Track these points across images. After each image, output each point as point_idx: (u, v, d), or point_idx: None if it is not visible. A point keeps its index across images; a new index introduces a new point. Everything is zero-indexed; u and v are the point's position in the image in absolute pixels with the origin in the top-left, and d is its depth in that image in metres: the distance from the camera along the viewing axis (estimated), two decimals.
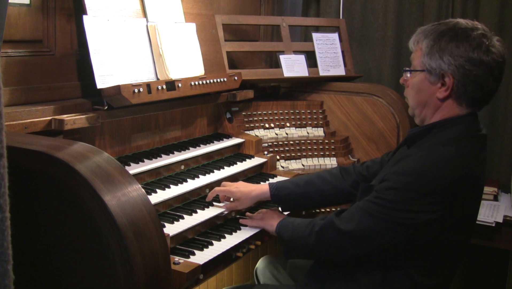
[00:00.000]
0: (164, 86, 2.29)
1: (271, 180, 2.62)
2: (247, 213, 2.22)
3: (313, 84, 3.34)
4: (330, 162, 3.06)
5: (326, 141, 3.11)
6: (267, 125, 3.08)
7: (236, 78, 2.76)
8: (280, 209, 2.26)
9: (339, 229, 1.77)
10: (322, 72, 3.36)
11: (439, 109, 1.82)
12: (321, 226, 1.83)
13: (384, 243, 1.73)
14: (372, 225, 1.72)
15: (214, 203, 2.23)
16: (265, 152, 2.88)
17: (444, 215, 1.69)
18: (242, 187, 2.24)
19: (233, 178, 2.48)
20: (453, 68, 1.75)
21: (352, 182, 2.19)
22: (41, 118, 1.96)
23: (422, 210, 1.67)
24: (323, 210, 2.71)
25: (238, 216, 2.24)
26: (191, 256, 1.84)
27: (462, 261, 1.91)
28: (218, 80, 2.64)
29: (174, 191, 2.16)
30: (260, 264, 2.49)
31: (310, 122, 3.19)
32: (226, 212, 2.20)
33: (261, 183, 2.54)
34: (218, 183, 2.38)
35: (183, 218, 2.03)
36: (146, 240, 1.45)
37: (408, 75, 1.90)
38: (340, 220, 1.79)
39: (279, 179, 2.65)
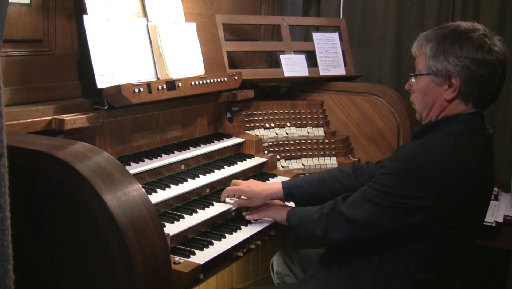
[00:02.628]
0: (165, 86, 2.29)
1: (274, 179, 2.63)
2: (245, 212, 2.23)
3: (313, 84, 3.34)
4: (331, 162, 3.06)
5: (327, 141, 3.11)
6: (267, 125, 3.08)
7: (236, 78, 2.76)
8: (294, 205, 2.30)
9: (342, 212, 1.85)
10: (323, 72, 3.36)
11: (445, 110, 1.85)
12: (329, 208, 1.91)
13: (380, 227, 1.78)
14: (369, 209, 1.78)
15: (227, 200, 2.26)
16: (266, 152, 2.88)
17: (435, 204, 1.71)
18: (254, 186, 2.26)
19: (233, 178, 2.47)
20: (459, 69, 1.79)
21: (365, 182, 2.20)
22: (42, 118, 1.96)
23: (414, 196, 1.72)
24: None
25: (242, 212, 2.24)
26: (191, 256, 1.84)
27: (461, 259, 1.91)
28: (219, 80, 2.63)
29: (175, 190, 2.16)
30: (275, 257, 2.56)
31: (310, 122, 3.19)
32: (234, 208, 2.22)
33: (267, 182, 2.55)
34: (218, 182, 2.38)
35: (183, 217, 2.03)
36: (147, 239, 1.45)
37: (414, 80, 1.93)
38: (344, 204, 1.86)
39: (279, 178, 2.65)
